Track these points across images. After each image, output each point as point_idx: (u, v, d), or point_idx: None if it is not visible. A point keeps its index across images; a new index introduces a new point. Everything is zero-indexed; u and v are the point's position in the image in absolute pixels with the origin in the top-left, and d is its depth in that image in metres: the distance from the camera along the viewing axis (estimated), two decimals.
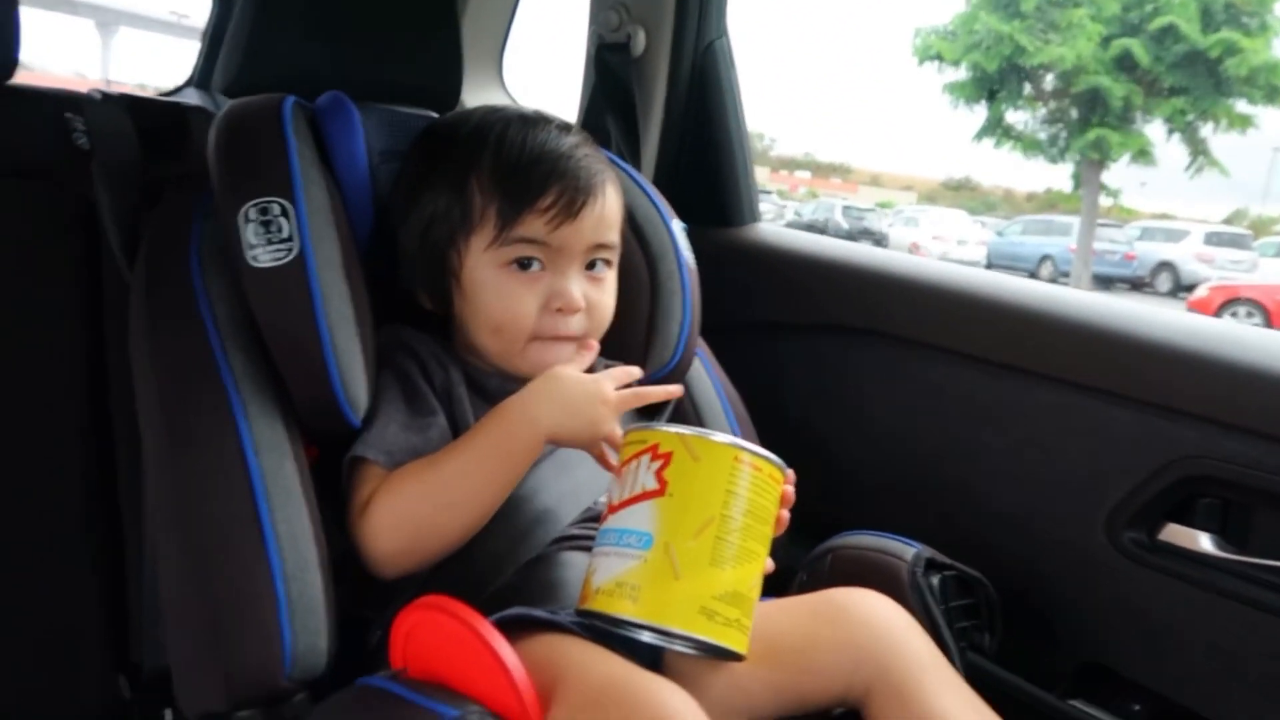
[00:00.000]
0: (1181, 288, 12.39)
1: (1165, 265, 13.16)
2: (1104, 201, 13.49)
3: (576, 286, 0.93)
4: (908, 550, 0.98)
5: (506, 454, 0.86)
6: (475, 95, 1.74)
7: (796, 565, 1.04)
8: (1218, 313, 9.56)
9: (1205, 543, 1.01)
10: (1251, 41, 11.10)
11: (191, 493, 0.80)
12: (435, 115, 1.09)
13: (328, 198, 0.90)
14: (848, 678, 0.83)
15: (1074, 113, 12.54)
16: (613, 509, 0.78)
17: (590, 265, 0.95)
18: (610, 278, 0.98)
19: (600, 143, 1.02)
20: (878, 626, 0.85)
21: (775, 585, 0.89)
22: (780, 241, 1.48)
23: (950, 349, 1.23)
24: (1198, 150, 12.31)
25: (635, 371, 0.93)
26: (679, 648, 0.75)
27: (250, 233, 0.86)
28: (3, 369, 1.10)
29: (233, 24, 1.04)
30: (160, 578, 0.84)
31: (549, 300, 0.92)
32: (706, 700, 0.71)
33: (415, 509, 0.84)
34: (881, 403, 1.30)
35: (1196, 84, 11.62)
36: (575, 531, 0.93)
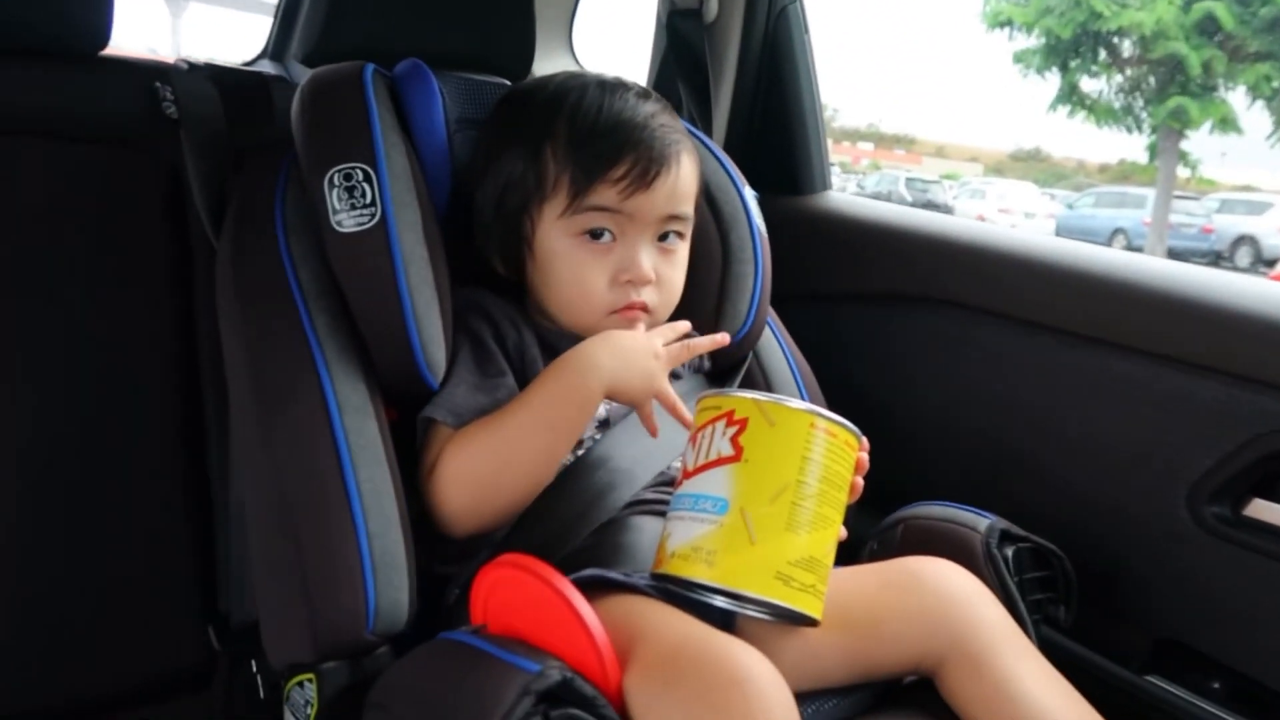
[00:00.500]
0: (1263, 261, 11.94)
1: (1246, 239, 12.69)
2: (1181, 172, 13.02)
3: (647, 258, 0.93)
4: (981, 521, 0.97)
5: (565, 408, 0.87)
6: (545, 64, 1.74)
7: (865, 535, 1.04)
8: None
9: None
10: None
11: (279, 451, 0.83)
12: (508, 83, 1.10)
13: (408, 164, 0.92)
14: (921, 646, 0.83)
15: (1152, 80, 12.10)
16: (688, 474, 0.79)
17: (662, 236, 0.95)
18: (682, 251, 0.98)
19: (673, 108, 1.01)
20: (952, 596, 0.84)
21: (845, 555, 0.89)
22: (852, 210, 1.47)
23: (1026, 319, 1.20)
24: None
25: (683, 326, 0.94)
26: (753, 612, 0.76)
27: (335, 198, 0.88)
28: (97, 331, 1.14)
29: None
30: (249, 533, 0.87)
31: (618, 273, 0.92)
32: (779, 665, 0.72)
33: (478, 466, 0.86)
34: (953, 374, 1.28)
35: None
36: (649, 496, 0.94)
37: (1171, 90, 11.76)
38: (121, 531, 1.16)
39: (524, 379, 0.93)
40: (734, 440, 0.76)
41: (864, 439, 0.82)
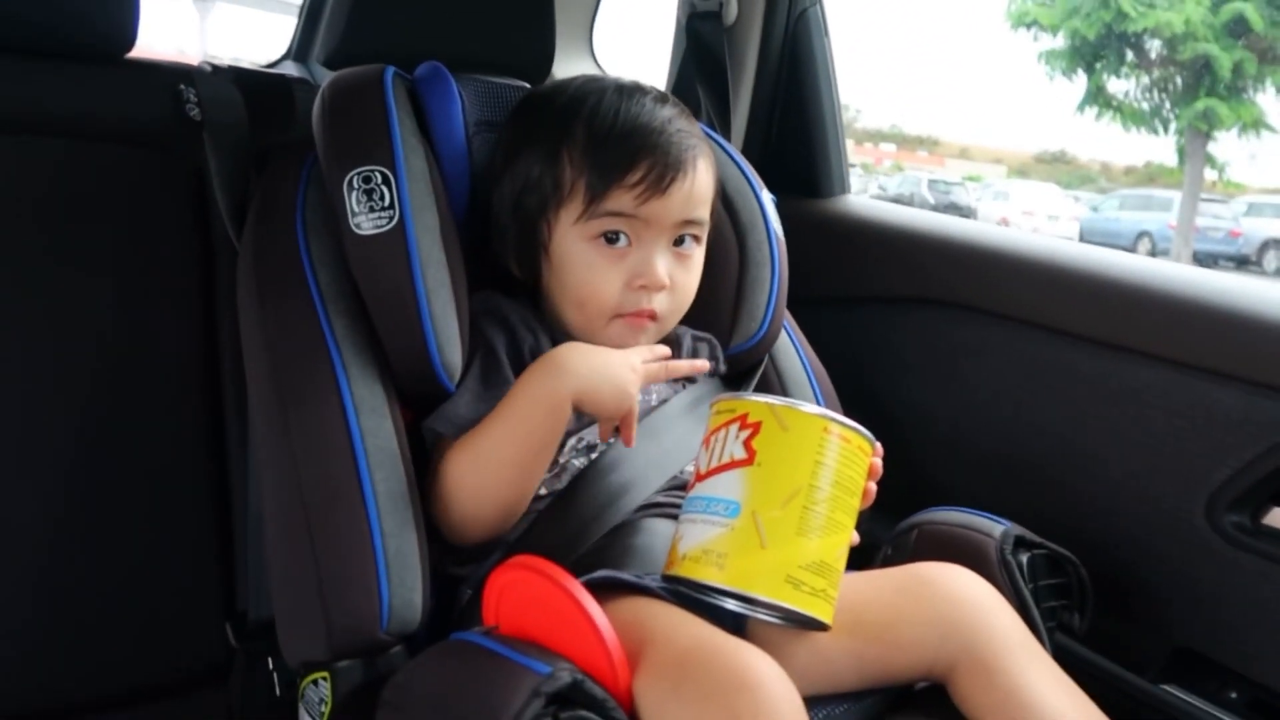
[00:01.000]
0: None
1: (1275, 242, 12.52)
2: (1209, 175, 12.86)
3: (662, 263, 0.93)
4: (996, 527, 0.97)
5: (534, 412, 0.87)
6: (565, 66, 1.75)
7: (880, 540, 1.04)
8: None
9: None
10: None
11: (296, 451, 0.84)
12: (528, 86, 1.11)
13: (427, 167, 0.93)
14: (933, 652, 0.83)
15: (1180, 82, 11.97)
16: (700, 477, 0.79)
17: (678, 241, 0.95)
18: (697, 256, 0.98)
19: (690, 112, 1.02)
20: (965, 602, 0.84)
21: (859, 560, 0.89)
22: (871, 213, 1.46)
23: (1043, 325, 1.20)
24: None
25: (663, 350, 0.94)
26: (763, 616, 0.76)
27: (354, 200, 0.88)
28: (120, 331, 1.16)
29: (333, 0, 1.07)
30: (266, 531, 0.88)
31: (632, 277, 0.92)
32: (790, 669, 0.72)
33: (467, 475, 0.87)
34: (971, 379, 1.28)
35: None
36: (661, 499, 0.95)
37: (1200, 91, 11.63)
38: (142, 528, 1.17)
39: None
40: (747, 444, 0.77)
41: (878, 444, 0.82)
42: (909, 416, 1.33)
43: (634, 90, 0.96)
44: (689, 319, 1.01)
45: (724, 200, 1.09)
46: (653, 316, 0.94)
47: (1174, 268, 1.16)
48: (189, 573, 1.20)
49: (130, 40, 1.14)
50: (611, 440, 0.95)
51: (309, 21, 1.97)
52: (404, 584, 0.82)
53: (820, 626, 0.77)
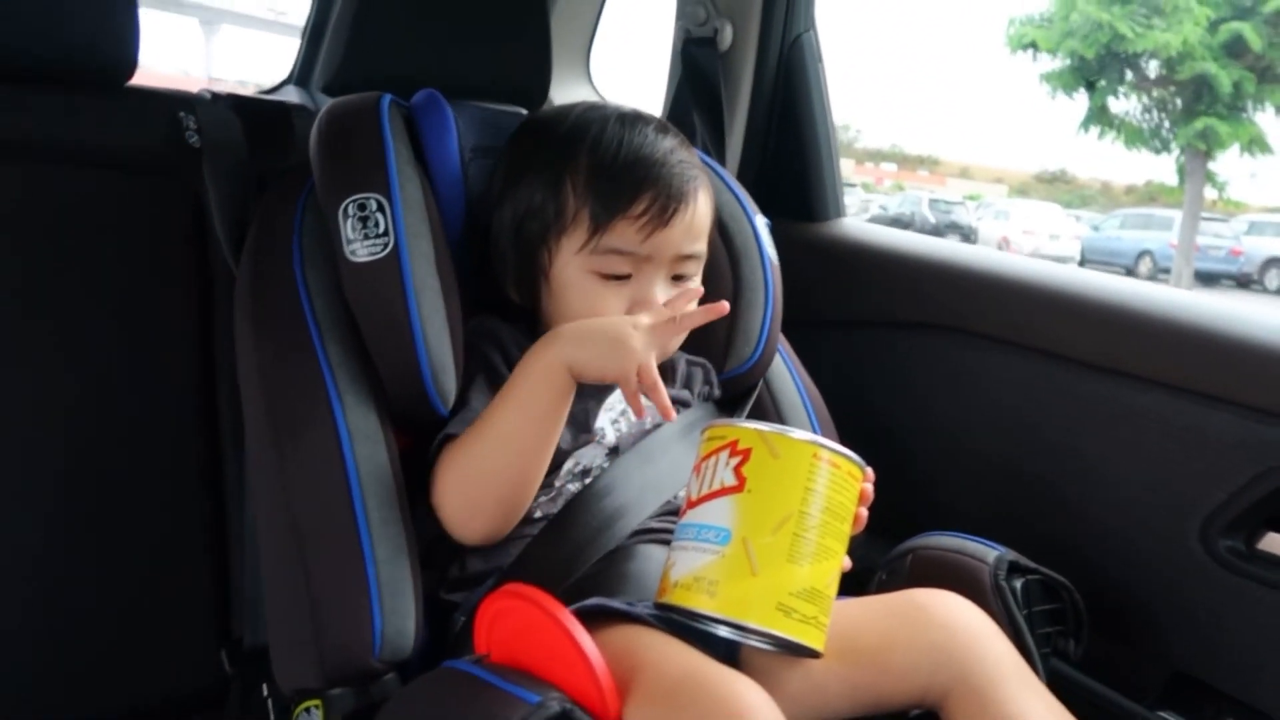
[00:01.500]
0: None
1: (1276, 261, 12.53)
2: (1209, 194, 12.89)
3: (662, 295, 0.94)
4: (990, 553, 0.97)
5: (527, 383, 0.87)
6: (563, 92, 1.76)
7: (875, 565, 1.04)
8: None
9: None
10: None
11: (290, 478, 0.84)
12: (524, 112, 1.12)
13: (422, 194, 0.93)
14: (926, 679, 0.82)
15: (1179, 102, 12.02)
16: (691, 504, 0.79)
17: (676, 276, 0.96)
18: (694, 284, 0.99)
19: (686, 137, 1.02)
20: (958, 629, 0.84)
21: (854, 585, 0.89)
22: (866, 237, 1.47)
23: (1038, 348, 1.20)
24: None
25: (671, 310, 0.90)
26: (755, 643, 0.76)
27: (349, 228, 0.89)
28: (119, 357, 1.16)
29: (332, 26, 1.08)
30: (262, 556, 0.88)
31: (633, 306, 0.93)
32: (782, 697, 0.72)
33: (465, 462, 0.87)
34: (966, 403, 1.28)
35: None
36: (655, 525, 0.95)
37: (1199, 110, 11.67)
38: (138, 554, 1.17)
39: None
40: (737, 470, 0.77)
41: (868, 470, 0.82)
42: (905, 440, 1.33)
43: (635, 119, 0.97)
44: (684, 345, 1.01)
45: (718, 225, 1.09)
46: None
47: (1168, 291, 1.16)
48: (184, 599, 1.20)
49: (130, 68, 1.15)
50: (605, 465, 0.96)
51: (310, 46, 1.98)
52: (396, 611, 0.82)
53: (812, 654, 0.77)
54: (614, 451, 0.97)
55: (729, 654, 0.80)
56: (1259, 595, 0.99)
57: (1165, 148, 12.38)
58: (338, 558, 0.81)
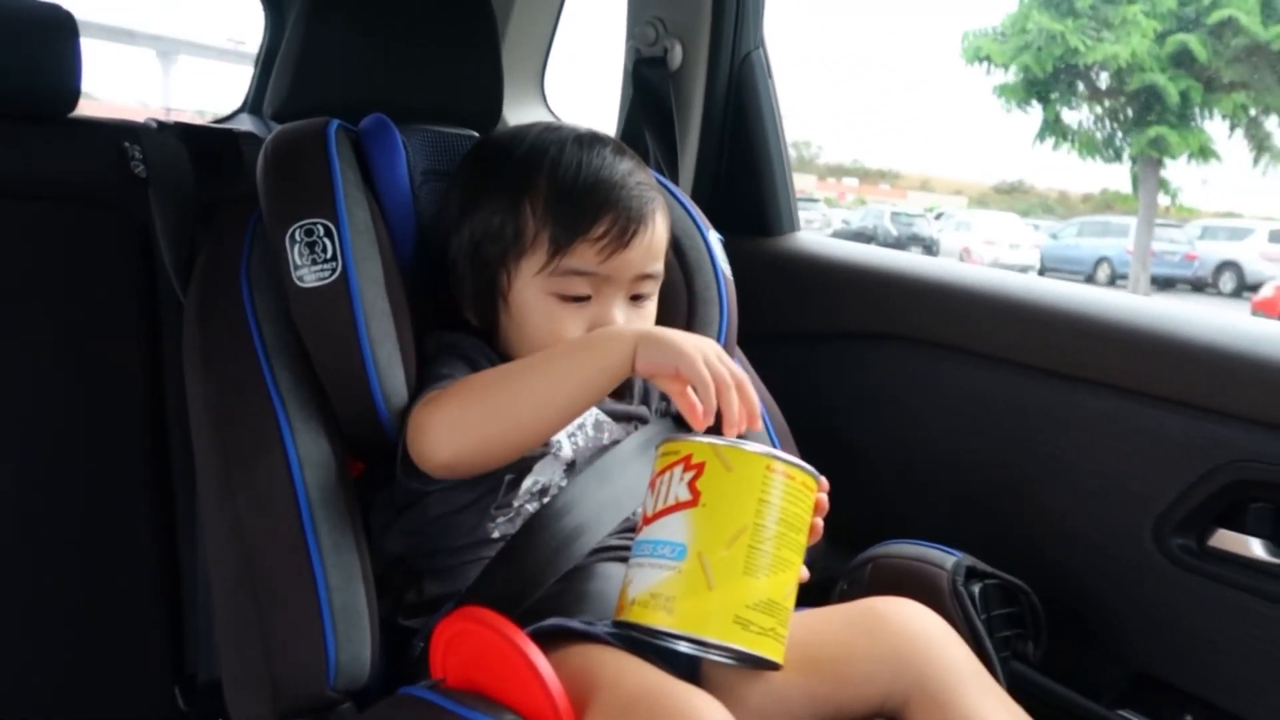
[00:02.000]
0: (1246, 287, 12.04)
1: (1229, 265, 12.82)
2: (1163, 201, 13.17)
3: (621, 315, 0.94)
4: (948, 559, 0.98)
5: (584, 354, 0.85)
6: (517, 113, 1.77)
7: (836, 575, 1.04)
8: None
9: (1257, 548, 0.99)
10: None
11: (240, 507, 0.83)
12: (476, 135, 1.12)
13: (370, 218, 0.93)
14: (886, 687, 0.83)
15: (1130, 111, 12.28)
16: (647, 520, 0.79)
17: (635, 296, 0.96)
18: (651, 305, 0.99)
19: (641, 158, 1.03)
20: (915, 635, 0.84)
21: (815, 595, 0.89)
22: (821, 250, 1.48)
23: (992, 355, 1.22)
24: (1261, 146, 11.97)
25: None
26: (715, 657, 0.76)
27: (296, 253, 0.89)
28: (66, 389, 1.15)
29: (281, 52, 1.08)
30: (213, 589, 0.87)
31: (592, 326, 0.93)
32: (744, 710, 0.72)
33: (482, 393, 0.86)
34: (923, 411, 1.29)
35: (1258, 78, 11.31)
36: (614, 542, 0.94)
37: (1150, 120, 11.94)
38: (87, 591, 1.15)
39: None
40: (691, 485, 0.77)
41: (823, 480, 0.83)
42: (863, 450, 1.34)
43: (593, 141, 0.97)
44: None
45: (673, 242, 1.10)
46: None
47: (1116, 296, 1.18)
48: (137, 635, 1.18)
49: (73, 99, 1.14)
50: (563, 484, 0.95)
51: (264, 73, 1.97)
52: (351, 639, 0.81)
53: (771, 666, 0.77)
54: (571, 466, 0.97)
55: (690, 670, 0.80)
56: (1212, 592, 1.00)
57: (1119, 157, 12.65)
58: (290, 586, 0.80)
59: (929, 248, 15.22)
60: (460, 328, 1.00)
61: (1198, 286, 12.98)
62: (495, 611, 0.75)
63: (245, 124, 2.03)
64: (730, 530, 0.75)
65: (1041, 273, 13.16)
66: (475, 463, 0.87)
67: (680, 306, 1.09)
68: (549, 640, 0.75)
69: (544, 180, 0.93)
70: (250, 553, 0.81)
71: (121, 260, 1.17)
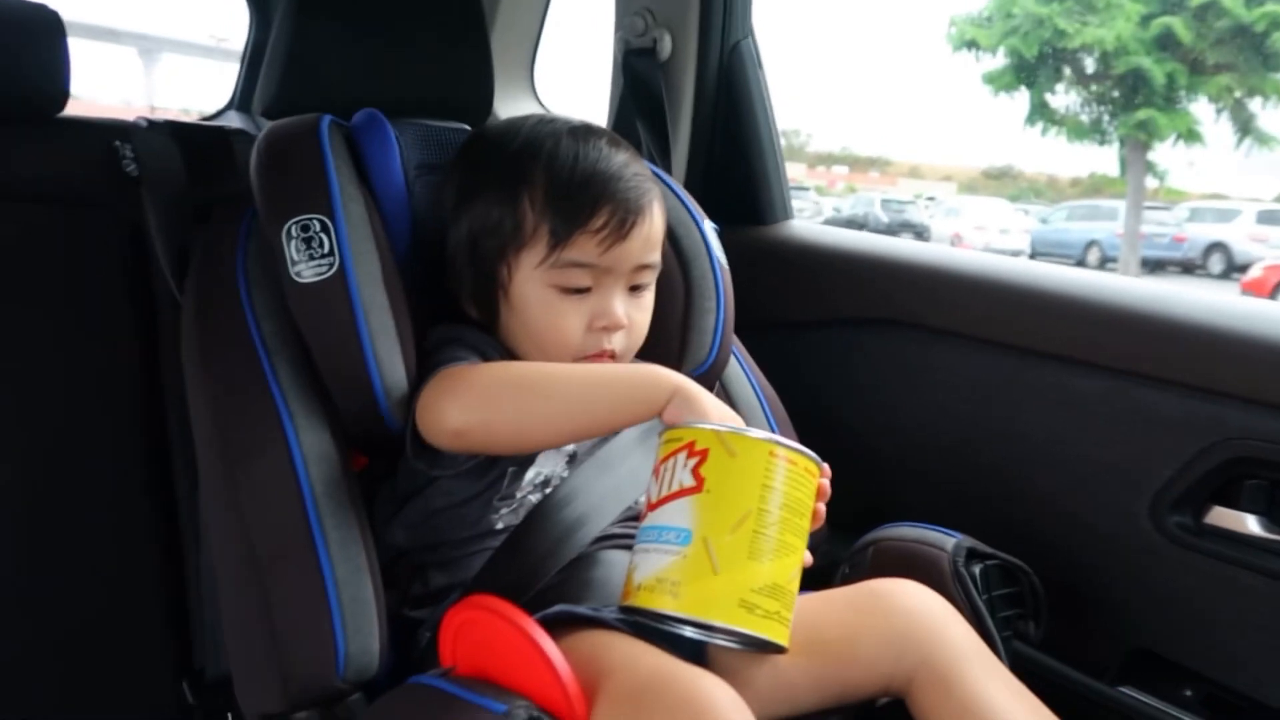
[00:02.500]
0: (1235, 268, 12.08)
1: (1217, 246, 12.84)
2: (1151, 184, 13.21)
3: (620, 305, 0.94)
4: (948, 540, 0.98)
5: (620, 381, 0.86)
6: (508, 105, 1.77)
7: (838, 559, 1.05)
8: (1273, 293, 9.31)
9: (1252, 525, 1.00)
10: None
11: (245, 504, 0.83)
12: (468, 128, 1.12)
13: (366, 212, 0.93)
14: (890, 668, 0.84)
15: (1117, 95, 12.31)
16: (651, 507, 0.80)
17: (633, 287, 0.97)
18: (649, 295, 1.00)
19: (634, 148, 1.03)
20: (918, 616, 0.85)
21: (818, 579, 0.90)
22: (813, 238, 1.49)
23: (988, 339, 1.22)
24: (1246, 127, 12.02)
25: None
26: (721, 641, 0.76)
27: (293, 249, 0.89)
28: (64, 389, 1.14)
29: (269, 48, 1.07)
30: (219, 586, 0.87)
31: (593, 319, 0.94)
32: (750, 693, 0.72)
33: (517, 380, 0.87)
34: (920, 395, 1.30)
35: (1243, 60, 11.34)
36: (617, 530, 0.95)
37: (1137, 103, 11.96)
38: (93, 588, 1.15)
39: None
40: (695, 471, 0.77)
41: (825, 465, 0.83)
42: (863, 434, 1.35)
43: (587, 133, 0.97)
44: (640, 353, 1.02)
45: (668, 233, 1.10)
46: (612, 356, 0.95)
47: (1106, 278, 1.19)
48: (144, 631, 1.18)
49: (62, 99, 1.14)
50: (565, 474, 0.96)
51: (250, 70, 1.97)
52: (359, 630, 0.81)
53: (777, 649, 0.78)
54: (572, 458, 0.97)
55: (696, 654, 0.80)
56: (1209, 569, 1.01)
57: (1106, 140, 12.67)
58: (297, 580, 0.80)
59: (920, 234, 15.24)
60: (459, 320, 1.00)
61: (1187, 268, 13.02)
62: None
63: (233, 121, 2.03)
64: (734, 515, 0.76)
65: (1032, 257, 13.18)
66: (482, 440, 0.87)
67: (678, 297, 1.09)
68: (556, 627, 0.75)
69: (541, 173, 0.93)
70: (257, 548, 0.82)
71: (116, 260, 1.17)
